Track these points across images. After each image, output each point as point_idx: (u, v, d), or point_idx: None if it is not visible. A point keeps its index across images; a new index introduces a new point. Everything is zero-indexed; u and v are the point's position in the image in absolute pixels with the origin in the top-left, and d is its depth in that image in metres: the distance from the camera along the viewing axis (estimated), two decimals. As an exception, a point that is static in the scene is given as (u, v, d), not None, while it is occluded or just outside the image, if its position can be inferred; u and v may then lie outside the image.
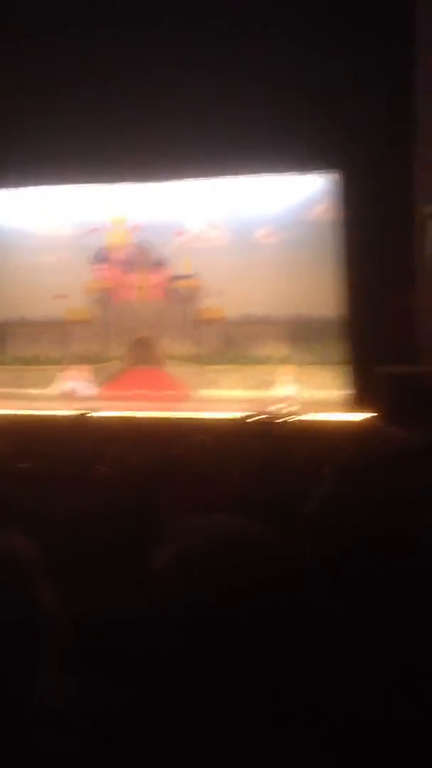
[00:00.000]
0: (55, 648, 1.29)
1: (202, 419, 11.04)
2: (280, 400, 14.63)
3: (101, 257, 18.13)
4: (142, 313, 17.75)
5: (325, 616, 1.17)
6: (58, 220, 18.15)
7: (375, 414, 12.27)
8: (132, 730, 1.53)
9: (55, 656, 1.30)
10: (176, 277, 17.71)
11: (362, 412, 12.97)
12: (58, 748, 1.23)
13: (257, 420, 8.47)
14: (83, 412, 9.00)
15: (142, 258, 17.97)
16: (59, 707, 1.35)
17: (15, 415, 11.36)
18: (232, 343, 17.06)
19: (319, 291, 15.90)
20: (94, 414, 9.34)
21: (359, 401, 14.25)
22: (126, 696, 1.67)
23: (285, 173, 16.38)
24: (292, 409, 12.84)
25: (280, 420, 8.62)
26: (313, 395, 15.10)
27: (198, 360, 17.09)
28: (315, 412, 12.36)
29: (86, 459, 5.01)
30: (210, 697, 1.14)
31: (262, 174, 16.41)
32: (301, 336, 16.53)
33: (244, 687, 1.12)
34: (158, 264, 17.83)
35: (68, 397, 14.93)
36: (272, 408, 13.91)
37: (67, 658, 1.46)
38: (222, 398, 15.06)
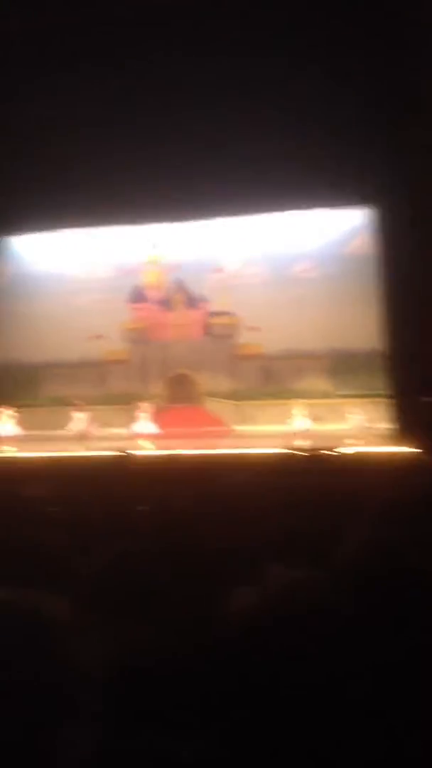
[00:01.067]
0: (87, 708, 1.22)
1: (244, 456, 10.90)
2: (296, 435, 14.47)
3: (138, 297, 18.27)
4: (179, 350, 17.78)
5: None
6: (94, 262, 18.39)
7: (420, 447, 12.01)
8: None
9: (86, 717, 1.23)
10: (214, 314, 17.77)
11: (407, 445, 12.70)
12: None
13: (300, 455, 8.30)
14: (121, 452, 8.91)
15: (178, 296, 18.08)
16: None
17: (49, 458, 11.33)
18: (271, 377, 16.98)
19: (359, 324, 15.82)
20: (133, 453, 9.25)
21: (403, 434, 14.01)
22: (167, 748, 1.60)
23: (321, 208, 16.42)
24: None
25: (323, 455, 8.43)
26: (364, 428, 14.92)
27: (237, 396, 17.01)
28: (358, 445, 12.13)
29: (125, 500, 4.89)
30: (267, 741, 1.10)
31: (299, 210, 16.49)
32: (343, 369, 16.42)
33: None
34: (195, 302, 17.91)
35: (139, 436, 14.88)
36: (290, 443, 13.78)
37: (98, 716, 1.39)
38: (262, 434, 14.88)
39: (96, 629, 1.40)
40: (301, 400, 15.24)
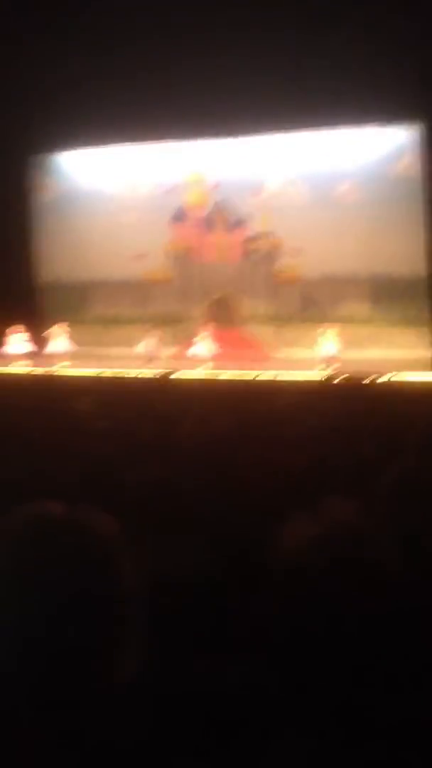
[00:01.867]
0: (136, 625, 1.25)
1: (282, 381, 10.93)
2: (323, 361, 14.44)
3: (180, 216, 18.09)
4: (221, 273, 17.66)
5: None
6: (136, 180, 18.17)
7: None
8: (215, 702, 1.51)
9: (135, 633, 1.27)
10: (255, 237, 17.55)
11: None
12: (137, 724, 1.21)
13: (339, 381, 8.32)
14: (164, 372, 8.98)
15: (221, 217, 17.85)
16: (140, 682, 1.33)
17: (97, 375, 11.44)
18: (311, 302, 16.84)
19: (403, 248, 15.47)
20: (175, 375, 9.33)
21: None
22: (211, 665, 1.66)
23: (366, 126, 15.88)
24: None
25: (363, 381, 8.42)
26: (397, 356, 14.79)
27: (277, 320, 16.94)
28: (399, 373, 12.05)
29: (166, 421, 4.99)
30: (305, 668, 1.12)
31: (343, 127, 15.98)
32: (384, 295, 16.20)
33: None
34: (237, 223, 17.68)
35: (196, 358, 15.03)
36: (318, 368, 13.81)
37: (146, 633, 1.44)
38: (301, 359, 14.87)
39: (142, 545, 1.45)
40: (329, 325, 15.10)
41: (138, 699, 1.27)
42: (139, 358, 15.07)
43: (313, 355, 14.76)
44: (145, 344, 15.72)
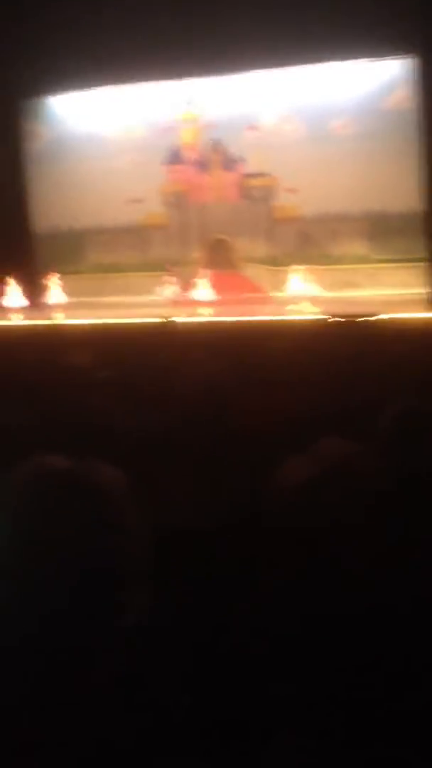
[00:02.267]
0: (144, 577, 1.28)
1: (280, 322, 10.91)
2: (294, 300, 14.38)
3: (174, 158, 17.83)
4: (217, 214, 17.48)
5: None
6: (129, 121, 17.83)
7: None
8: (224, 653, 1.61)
9: (143, 586, 1.30)
10: (250, 175, 17.33)
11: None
12: (144, 673, 1.25)
13: (335, 322, 8.33)
14: (162, 319, 8.97)
15: (215, 157, 17.59)
16: (149, 627, 1.34)
17: (95, 325, 11.40)
18: (309, 242, 16.71)
19: (399, 184, 15.29)
20: (172, 320, 9.30)
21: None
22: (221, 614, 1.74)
23: (359, 59, 15.54)
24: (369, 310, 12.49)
25: (358, 321, 8.42)
26: (393, 295, 14.74)
27: (274, 261, 16.83)
28: (395, 312, 12.04)
29: (166, 367, 5.01)
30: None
31: (336, 61, 15.61)
32: (379, 233, 16.06)
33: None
34: (232, 163, 17.43)
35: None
36: (288, 308, 13.74)
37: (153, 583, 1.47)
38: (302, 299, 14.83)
39: (145, 494, 1.47)
40: (298, 266, 14.99)
41: (144, 648, 1.28)
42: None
43: (313, 296, 14.66)
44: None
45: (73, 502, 1.18)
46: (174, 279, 15.60)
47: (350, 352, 5.58)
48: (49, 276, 15.95)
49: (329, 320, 8.63)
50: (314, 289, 14.54)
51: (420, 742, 1.07)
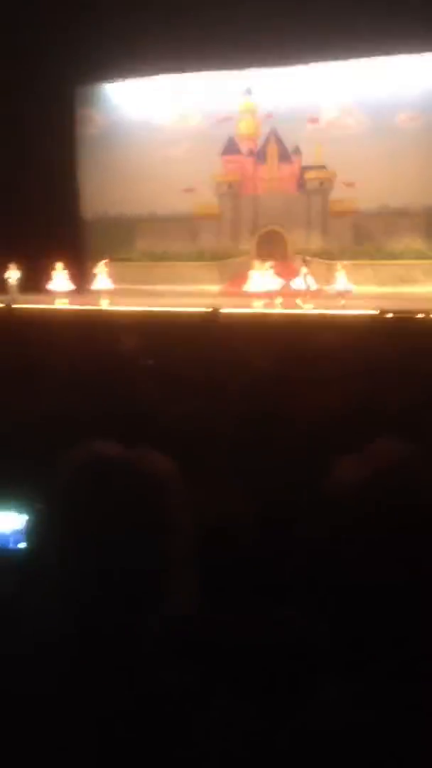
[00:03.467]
0: (190, 568, 1.29)
1: (333, 316, 10.75)
2: (336, 296, 14.16)
3: (231, 148, 17.71)
4: (271, 206, 17.33)
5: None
6: (186, 111, 17.80)
7: None
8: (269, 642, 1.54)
9: (189, 576, 1.29)
10: (308, 168, 17.13)
11: None
12: (183, 664, 1.21)
13: (389, 318, 8.13)
14: (212, 309, 8.88)
15: (272, 148, 17.43)
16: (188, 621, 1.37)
17: (143, 312, 11.37)
18: (364, 236, 16.47)
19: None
20: (223, 311, 9.20)
21: None
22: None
23: (427, 53, 15.22)
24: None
25: (415, 318, 8.23)
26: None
27: (329, 255, 16.60)
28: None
29: (213, 358, 4.93)
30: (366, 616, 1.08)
31: (402, 54, 15.33)
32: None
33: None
34: (289, 154, 17.26)
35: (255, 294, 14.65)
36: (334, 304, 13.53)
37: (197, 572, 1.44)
38: (354, 295, 14.62)
39: (191, 485, 1.44)
40: (342, 262, 14.68)
41: (185, 638, 1.29)
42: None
43: (362, 291, 14.39)
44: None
45: (125, 489, 1.18)
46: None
47: (404, 349, 5.41)
48: (97, 263, 15.94)
49: (382, 316, 8.45)
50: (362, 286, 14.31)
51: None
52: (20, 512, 2.04)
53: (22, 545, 2.03)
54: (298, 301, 13.97)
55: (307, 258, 15.11)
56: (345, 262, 14.86)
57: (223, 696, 1.19)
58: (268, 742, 1.07)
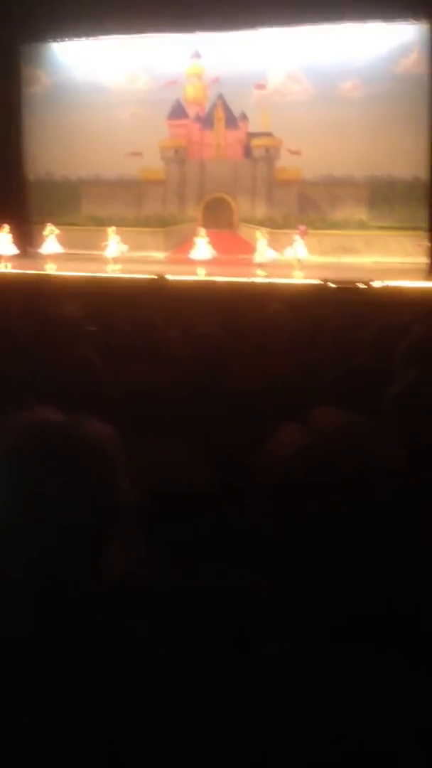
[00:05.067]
0: (129, 536, 1.32)
1: (276, 285, 10.80)
2: (260, 265, 14.23)
3: (178, 112, 17.50)
4: (218, 172, 17.22)
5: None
6: (134, 73, 17.46)
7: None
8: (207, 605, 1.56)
9: (129, 540, 1.33)
10: (254, 135, 17.04)
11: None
12: (128, 626, 1.24)
13: (332, 287, 8.23)
14: (156, 276, 8.84)
15: (219, 114, 17.27)
16: (131, 585, 1.38)
17: (87, 278, 11.24)
18: (309, 205, 16.51)
19: (406, 150, 15.04)
20: (167, 278, 9.19)
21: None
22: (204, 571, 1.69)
23: (372, 21, 15.21)
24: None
25: (356, 288, 8.33)
26: (391, 263, 14.62)
27: (273, 223, 16.62)
28: (393, 279, 11.93)
29: (158, 324, 4.94)
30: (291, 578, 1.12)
31: (348, 22, 15.29)
32: (382, 199, 15.85)
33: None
34: (236, 120, 17.14)
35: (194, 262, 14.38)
36: (258, 273, 13.56)
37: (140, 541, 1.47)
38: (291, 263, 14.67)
39: (130, 452, 1.46)
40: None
41: (129, 603, 1.30)
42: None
43: (308, 259, 14.44)
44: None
45: (63, 454, 1.20)
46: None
47: (347, 317, 5.50)
48: (42, 226, 15.65)
49: (325, 285, 8.54)
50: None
51: (407, 645, 1.07)
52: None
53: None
54: (258, 271, 13.90)
55: (262, 229, 15.02)
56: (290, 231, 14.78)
57: (170, 653, 1.21)
58: (212, 698, 1.09)
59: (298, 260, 14.06)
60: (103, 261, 14.90)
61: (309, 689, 1.04)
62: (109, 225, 15.93)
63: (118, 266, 14.66)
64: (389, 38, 15.62)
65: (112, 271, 14.24)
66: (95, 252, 15.47)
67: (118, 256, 15.04)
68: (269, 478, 1.17)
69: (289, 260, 14.09)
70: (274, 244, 14.85)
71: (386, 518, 1.07)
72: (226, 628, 1.51)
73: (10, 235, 15.19)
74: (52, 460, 1.19)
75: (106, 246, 15.28)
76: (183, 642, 1.32)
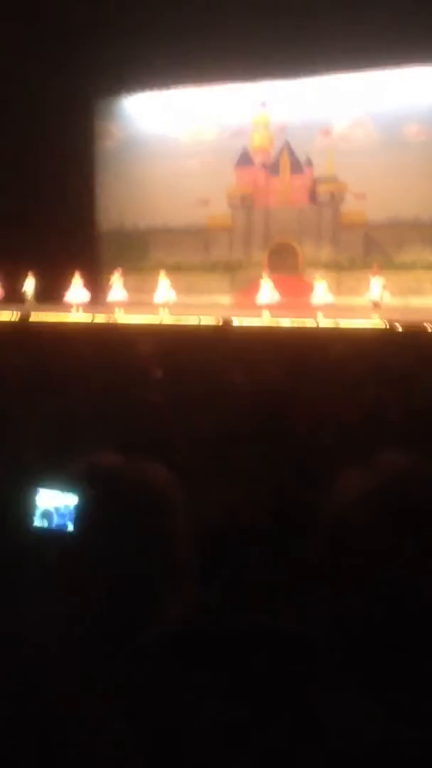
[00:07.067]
0: (186, 577, 1.30)
1: (342, 329, 10.76)
2: (319, 308, 14.08)
3: (245, 160, 17.80)
4: (283, 217, 17.39)
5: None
6: (201, 123, 17.91)
7: None
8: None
9: (188, 582, 1.32)
10: (319, 180, 17.19)
11: None
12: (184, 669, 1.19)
13: (400, 330, 8.16)
14: (222, 320, 8.93)
15: (285, 160, 17.50)
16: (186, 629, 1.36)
17: (153, 324, 11.42)
18: (375, 248, 16.49)
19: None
20: (233, 323, 9.26)
21: None
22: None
23: (436, 65, 15.30)
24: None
25: (423, 329, 8.25)
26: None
27: (338, 267, 16.64)
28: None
29: (223, 369, 4.97)
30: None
31: (413, 65, 15.40)
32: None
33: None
34: (302, 166, 17.33)
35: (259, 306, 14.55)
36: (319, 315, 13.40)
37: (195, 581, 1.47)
38: (363, 307, 14.62)
39: (196, 495, 1.47)
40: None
41: (185, 645, 1.25)
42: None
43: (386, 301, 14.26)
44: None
45: (124, 498, 1.22)
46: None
47: (413, 361, 5.44)
48: (111, 273, 16.00)
49: (393, 328, 8.47)
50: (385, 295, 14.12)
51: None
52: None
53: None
54: (320, 314, 13.84)
55: (321, 273, 15.00)
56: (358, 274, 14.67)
57: (221, 702, 1.22)
58: (265, 748, 1.07)
59: (376, 302, 13.97)
60: (165, 306, 15.08)
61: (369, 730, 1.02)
62: (176, 270, 16.17)
63: (166, 311, 14.79)
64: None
65: (162, 317, 14.37)
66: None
67: (165, 302, 15.11)
68: (332, 522, 1.17)
69: (369, 302, 14.07)
70: (340, 286, 14.82)
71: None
72: (281, 675, 1.51)
73: (82, 282, 15.60)
74: (111, 503, 1.22)
75: (111, 286, 15.51)
76: (235, 689, 1.31)
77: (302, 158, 17.24)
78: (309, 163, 17.17)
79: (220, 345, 6.56)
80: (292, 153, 17.30)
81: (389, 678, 1.06)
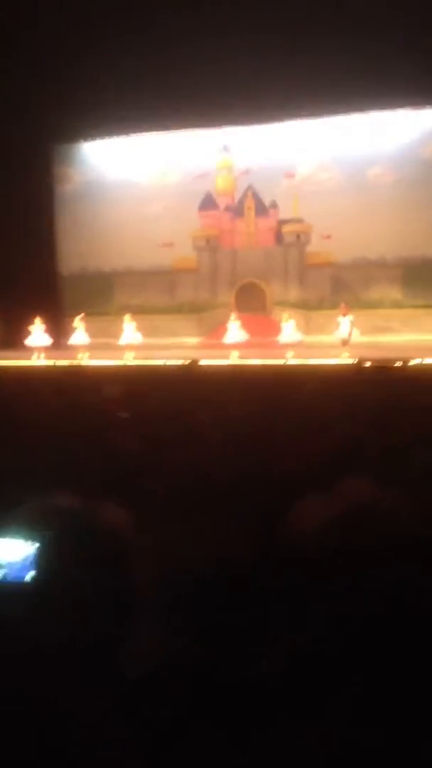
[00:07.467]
0: (153, 614, 1.29)
1: (311, 366, 10.81)
2: (286, 346, 14.31)
3: (208, 204, 17.99)
4: (249, 259, 17.55)
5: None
6: (164, 168, 18.07)
7: None
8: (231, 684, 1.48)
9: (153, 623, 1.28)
10: (285, 222, 17.41)
11: None
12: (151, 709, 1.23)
13: (368, 367, 8.19)
14: (188, 361, 8.93)
15: (249, 203, 17.71)
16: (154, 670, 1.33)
17: (119, 366, 11.39)
18: (342, 287, 16.68)
19: (434, 231, 15.30)
20: (200, 363, 9.23)
21: None
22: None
23: (398, 109, 15.68)
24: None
25: (393, 367, 8.28)
26: (428, 340, 14.61)
27: (306, 306, 16.80)
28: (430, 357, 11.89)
29: (191, 409, 4.92)
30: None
31: (375, 110, 15.77)
32: (416, 278, 15.99)
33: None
34: (266, 209, 17.55)
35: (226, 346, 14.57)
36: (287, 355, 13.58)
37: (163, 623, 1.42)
38: (331, 344, 14.72)
39: (166, 533, 1.44)
40: (345, 307, 14.52)
41: (157, 683, 1.28)
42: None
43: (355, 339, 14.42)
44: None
45: (76, 541, 1.22)
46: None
47: (382, 396, 5.43)
48: (74, 316, 15.94)
49: (361, 365, 8.52)
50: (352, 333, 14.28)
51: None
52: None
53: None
54: (288, 353, 13.98)
55: (288, 312, 15.17)
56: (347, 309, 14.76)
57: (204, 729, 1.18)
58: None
59: (344, 340, 14.12)
60: (132, 348, 15.08)
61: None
62: (141, 313, 16.19)
63: (132, 353, 14.78)
64: (416, 124, 16.09)
65: (127, 359, 14.33)
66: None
67: (131, 344, 15.16)
68: (297, 546, 1.21)
69: (337, 340, 14.23)
70: (308, 324, 14.91)
71: (410, 588, 1.06)
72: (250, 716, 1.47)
73: (43, 327, 15.52)
74: (63, 545, 1.20)
75: (74, 329, 15.54)
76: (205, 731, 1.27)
77: (267, 201, 17.46)
78: (274, 205, 17.39)
79: (188, 385, 6.52)
80: (256, 195, 17.52)
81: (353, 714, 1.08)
